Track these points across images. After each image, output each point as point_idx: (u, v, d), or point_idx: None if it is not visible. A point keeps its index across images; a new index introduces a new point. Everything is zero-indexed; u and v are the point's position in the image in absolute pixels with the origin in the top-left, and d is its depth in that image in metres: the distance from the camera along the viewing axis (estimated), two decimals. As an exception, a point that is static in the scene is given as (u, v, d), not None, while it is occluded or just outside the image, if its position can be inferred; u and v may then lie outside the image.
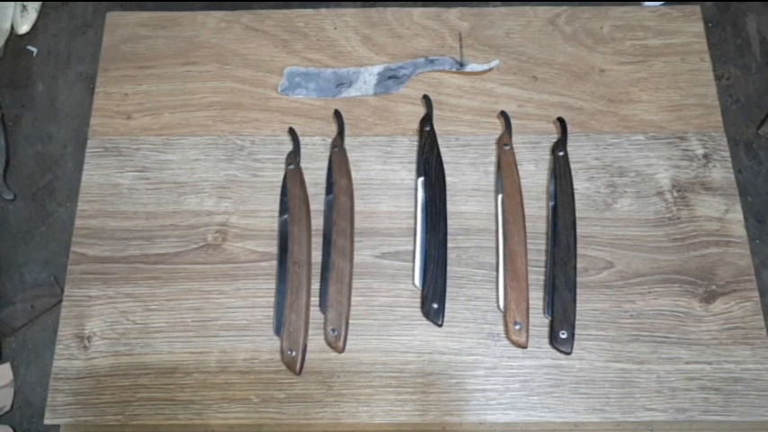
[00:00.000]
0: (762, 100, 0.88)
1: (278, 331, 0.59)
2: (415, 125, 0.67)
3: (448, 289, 0.60)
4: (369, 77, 0.70)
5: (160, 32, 0.73)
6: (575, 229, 0.61)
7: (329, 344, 0.58)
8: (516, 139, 0.66)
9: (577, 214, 0.62)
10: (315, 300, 0.60)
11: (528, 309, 0.58)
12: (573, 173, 0.64)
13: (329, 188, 0.63)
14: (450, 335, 0.59)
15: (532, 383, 0.57)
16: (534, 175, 0.65)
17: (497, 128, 0.67)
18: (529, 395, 0.57)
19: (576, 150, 0.66)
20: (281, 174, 0.65)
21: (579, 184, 0.64)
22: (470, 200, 0.64)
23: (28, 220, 0.85)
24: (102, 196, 0.65)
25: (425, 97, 0.68)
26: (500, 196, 0.63)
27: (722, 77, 0.90)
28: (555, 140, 0.66)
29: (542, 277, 0.61)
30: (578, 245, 0.61)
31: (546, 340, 0.59)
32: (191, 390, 0.58)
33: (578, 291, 0.59)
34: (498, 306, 0.60)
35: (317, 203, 0.64)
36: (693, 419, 0.56)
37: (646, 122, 0.67)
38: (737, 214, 0.63)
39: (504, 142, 0.65)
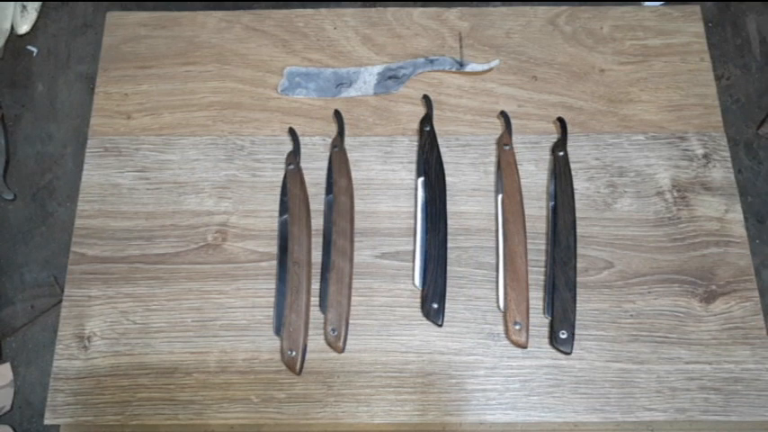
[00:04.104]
0: (762, 100, 0.88)
1: (278, 331, 0.59)
2: (415, 125, 0.67)
3: (448, 289, 0.60)
4: (369, 77, 0.70)
5: (160, 32, 0.73)
6: (575, 229, 0.61)
7: (329, 344, 0.58)
8: (516, 139, 0.66)
9: (577, 214, 0.62)
10: (315, 300, 0.60)
11: (528, 309, 0.58)
12: (573, 173, 0.64)
13: (329, 188, 0.63)
14: (451, 335, 0.59)
15: (532, 383, 0.57)
16: (534, 175, 0.65)
17: (497, 128, 0.67)
18: (529, 395, 0.57)
19: (576, 150, 0.66)
20: (281, 174, 0.65)
21: (579, 184, 0.64)
22: (470, 200, 0.64)
23: (28, 220, 0.85)
24: (102, 196, 0.65)
25: (425, 97, 0.68)
26: (500, 196, 0.63)
27: (722, 77, 0.90)
28: (555, 140, 0.66)
29: (542, 277, 0.61)
30: (578, 245, 0.61)
31: (546, 340, 0.59)
32: (191, 390, 0.58)
33: (578, 291, 0.59)
34: (498, 306, 0.60)
35: (317, 203, 0.64)
36: (693, 419, 0.56)
37: (646, 122, 0.67)
38: (737, 214, 0.63)
39: (504, 142, 0.65)
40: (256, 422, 0.57)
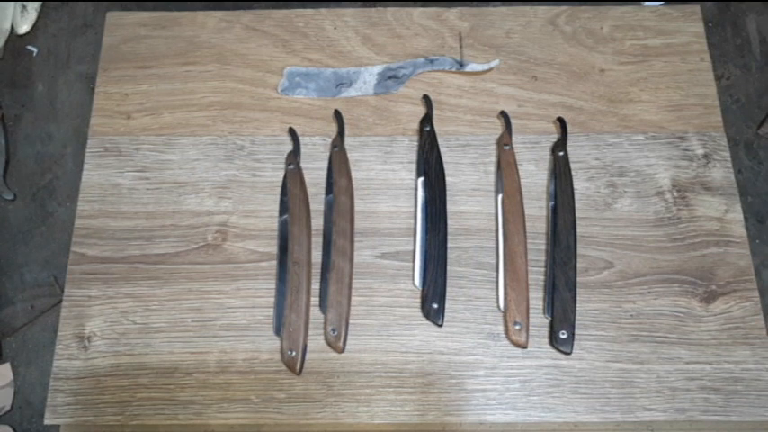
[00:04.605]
0: (762, 100, 0.88)
1: (278, 331, 0.59)
2: (415, 125, 0.67)
3: (448, 289, 0.60)
4: (369, 77, 0.70)
5: (160, 32, 0.73)
6: (575, 229, 0.61)
7: (329, 344, 0.58)
8: (516, 139, 0.66)
9: (577, 214, 0.62)
10: (315, 300, 0.60)
11: (528, 309, 0.58)
12: (573, 173, 0.64)
13: (329, 188, 0.63)
14: (451, 335, 0.59)
15: (532, 383, 0.57)
16: (534, 175, 0.65)
17: (497, 128, 0.67)
18: (529, 395, 0.57)
19: (576, 150, 0.66)
20: (281, 174, 0.65)
21: (579, 184, 0.64)
22: (470, 200, 0.64)
23: (28, 220, 0.85)
24: (102, 196, 0.65)
25: (425, 97, 0.68)
26: (500, 196, 0.63)
27: (722, 77, 0.90)
28: (555, 140, 0.66)
29: (542, 277, 0.61)
30: (578, 245, 0.61)
31: (546, 340, 0.59)
32: (191, 390, 0.58)
33: (578, 291, 0.59)
34: (498, 306, 0.60)
35: (317, 203, 0.64)
36: (693, 419, 0.56)
37: (646, 122, 0.67)
38: (737, 214, 0.63)
39: (505, 142, 0.65)
40: (256, 422, 0.57)
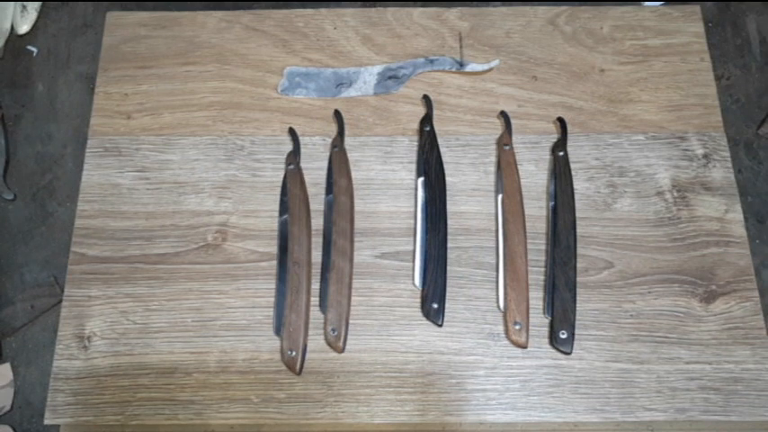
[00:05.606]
0: (762, 100, 0.88)
1: (278, 331, 0.59)
2: (415, 125, 0.67)
3: (448, 289, 0.60)
4: (369, 77, 0.70)
5: (160, 32, 0.73)
6: (575, 229, 0.61)
7: (329, 344, 0.58)
8: (516, 139, 0.66)
9: (577, 214, 0.62)
10: (315, 300, 0.60)
11: (528, 309, 0.58)
12: (573, 173, 0.64)
13: (329, 188, 0.63)
14: (451, 335, 0.59)
15: (532, 383, 0.57)
16: (534, 175, 0.65)
17: (497, 128, 0.67)
18: (529, 395, 0.57)
19: (576, 150, 0.66)
20: (281, 174, 0.65)
21: (579, 184, 0.64)
22: (470, 200, 0.64)
23: (28, 220, 0.85)
24: (102, 196, 0.65)
25: (425, 97, 0.68)
26: (500, 196, 0.63)
27: (722, 77, 0.90)
28: (555, 140, 0.66)
29: (542, 277, 0.61)
30: (578, 245, 0.61)
31: (546, 340, 0.59)
32: (191, 390, 0.58)
33: (578, 291, 0.59)
34: (498, 306, 0.60)
35: (317, 203, 0.64)
36: (693, 419, 0.56)
37: (646, 122, 0.67)
38: (737, 214, 0.63)
39: (505, 142, 0.65)
40: (256, 422, 0.57)
